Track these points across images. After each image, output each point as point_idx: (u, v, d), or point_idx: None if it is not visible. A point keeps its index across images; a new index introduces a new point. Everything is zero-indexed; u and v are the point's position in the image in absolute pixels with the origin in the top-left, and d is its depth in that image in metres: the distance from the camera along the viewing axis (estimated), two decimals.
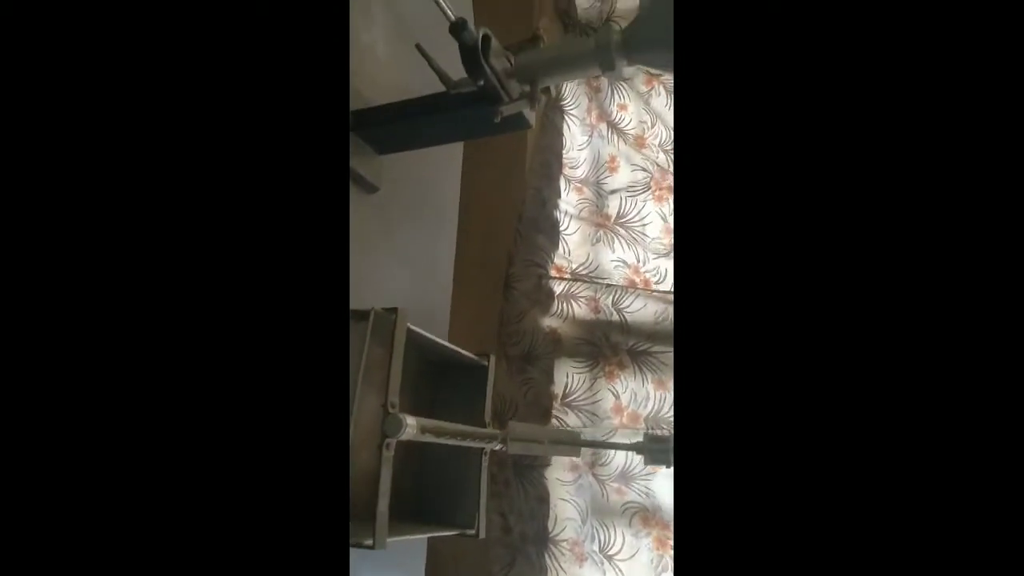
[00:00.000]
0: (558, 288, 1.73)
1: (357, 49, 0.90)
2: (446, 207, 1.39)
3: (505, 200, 1.90)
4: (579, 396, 1.62)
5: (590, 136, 1.90)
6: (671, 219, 1.79)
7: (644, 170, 1.81)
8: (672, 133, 1.82)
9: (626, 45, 0.65)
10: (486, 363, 0.72)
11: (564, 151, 1.90)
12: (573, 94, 1.94)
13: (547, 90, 0.75)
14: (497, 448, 0.65)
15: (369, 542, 0.48)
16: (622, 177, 1.83)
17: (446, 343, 0.63)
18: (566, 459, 1.57)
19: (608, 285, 1.70)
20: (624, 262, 1.74)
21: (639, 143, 1.85)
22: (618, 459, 1.53)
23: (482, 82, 0.68)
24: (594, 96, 1.94)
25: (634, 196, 1.80)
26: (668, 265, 1.72)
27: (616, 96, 1.93)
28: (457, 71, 0.73)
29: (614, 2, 2.08)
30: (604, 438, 1.54)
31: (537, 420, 1.63)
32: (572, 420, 1.61)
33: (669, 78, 1.90)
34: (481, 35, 0.67)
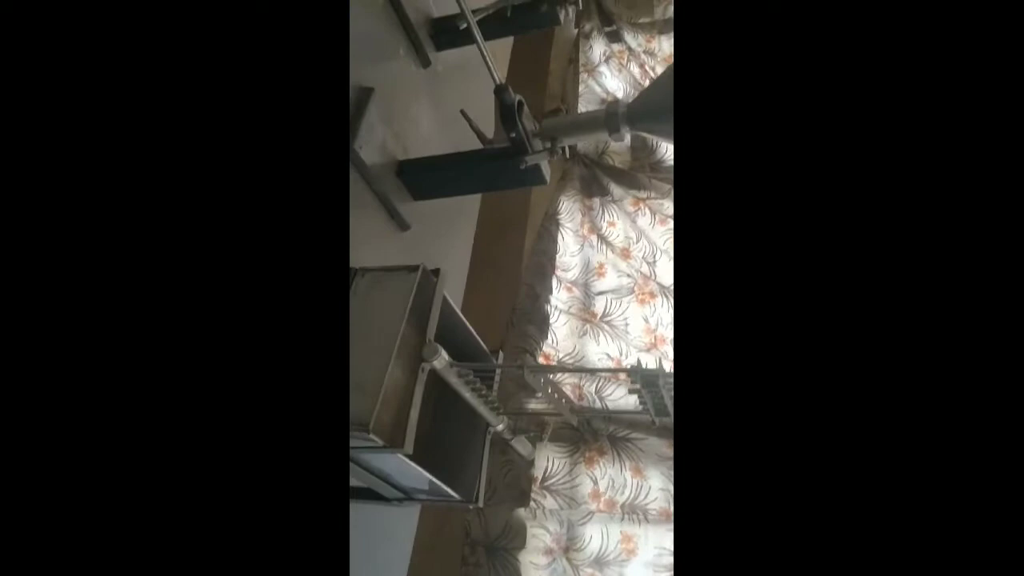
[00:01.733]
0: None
1: (408, 119, 1.09)
2: (454, 282, 1.53)
3: (501, 294, 2.06)
4: (559, 480, 1.64)
5: (582, 245, 2.12)
6: (652, 319, 1.94)
7: (629, 276, 2.00)
8: (654, 248, 2.03)
9: (630, 116, 0.84)
10: (495, 358, 0.81)
11: (558, 255, 2.10)
12: (568, 210, 2.19)
13: (563, 149, 0.92)
14: (498, 429, 0.73)
15: (399, 445, 0.55)
16: (609, 281, 2.01)
17: (468, 324, 0.74)
18: (540, 542, 1.56)
19: (592, 371, 1.80)
20: (608, 354, 1.86)
21: (625, 254, 2.06)
22: (593, 544, 1.52)
23: (514, 134, 0.86)
24: (587, 213, 2.18)
25: (619, 298, 1.97)
26: (650, 359, 1.83)
27: (606, 215, 2.18)
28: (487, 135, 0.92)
29: (607, 143, 2.43)
30: (580, 522, 1.55)
31: (515, 502, 1.63)
32: (550, 503, 1.61)
33: (654, 201, 2.17)
34: (517, 99, 0.86)
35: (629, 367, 0.60)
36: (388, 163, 0.99)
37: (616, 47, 2.74)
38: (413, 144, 1.06)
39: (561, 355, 1.87)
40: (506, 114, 0.84)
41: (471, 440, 0.75)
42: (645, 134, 0.82)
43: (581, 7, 2.76)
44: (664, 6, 2.67)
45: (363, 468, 0.60)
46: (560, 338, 1.91)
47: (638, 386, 0.61)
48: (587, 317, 1.94)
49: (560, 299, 1.98)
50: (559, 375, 1.82)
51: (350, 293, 0.64)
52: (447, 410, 0.70)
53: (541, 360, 1.85)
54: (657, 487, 1.58)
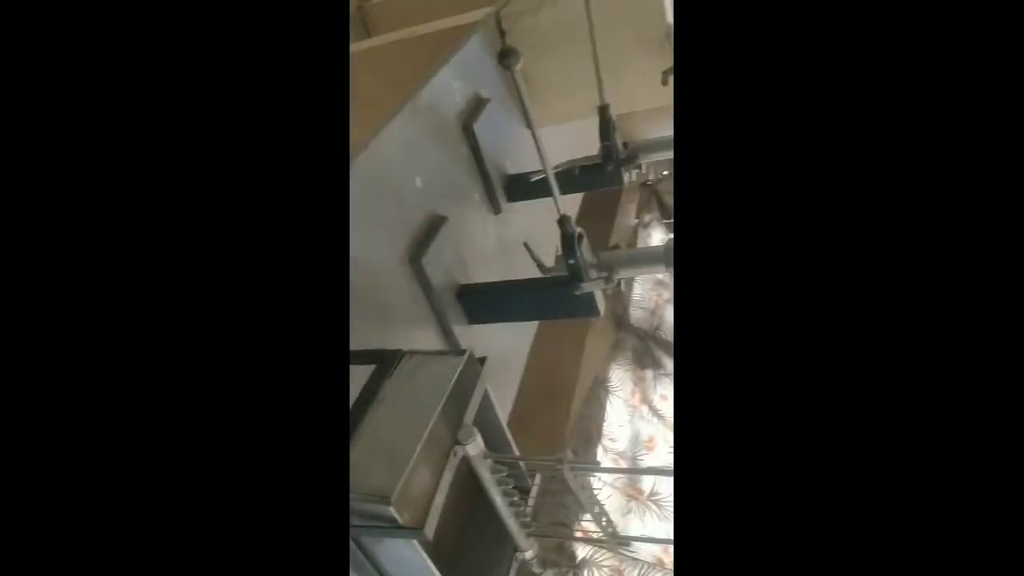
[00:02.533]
0: (581, 552, 1.63)
1: (473, 250, 1.16)
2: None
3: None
4: None
5: (631, 416, 2.03)
6: None
7: None
8: None
9: None
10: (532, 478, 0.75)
11: (605, 424, 2.01)
12: (619, 379, 2.15)
13: (618, 284, 0.94)
14: (527, 556, 0.64)
15: (419, 525, 0.48)
16: (659, 456, 1.88)
17: (505, 429, 0.70)
18: None
19: (635, 559, 1.60)
20: (654, 537, 1.67)
21: None
22: None
23: (572, 261, 0.90)
24: (639, 383, 2.13)
25: (670, 479, 1.82)
26: None
27: (659, 387, 2.12)
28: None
29: (662, 317, 2.46)
30: None
31: None
32: None
33: None
34: (578, 231, 0.91)
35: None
36: (450, 284, 1.03)
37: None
38: (476, 272, 1.11)
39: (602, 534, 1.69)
40: (566, 242, 0.88)
41: (494, 562, 0.66)
42: None
43: (641, 200, 3.00)
44: None
45: (362, 554, 0.52)
46: None
47: None
48: (633, 494, 1.79)
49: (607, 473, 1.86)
50: (597, 552, 1.63)
51: (394, 373, 0.63)
52: (473, 514, 0.63)
53: (578, 534, 1.67)
54: None
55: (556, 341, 2.07)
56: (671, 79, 1.32)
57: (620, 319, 2.39)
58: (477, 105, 1.24)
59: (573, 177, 1.23)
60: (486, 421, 0.64)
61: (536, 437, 2.02)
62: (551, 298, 0.97)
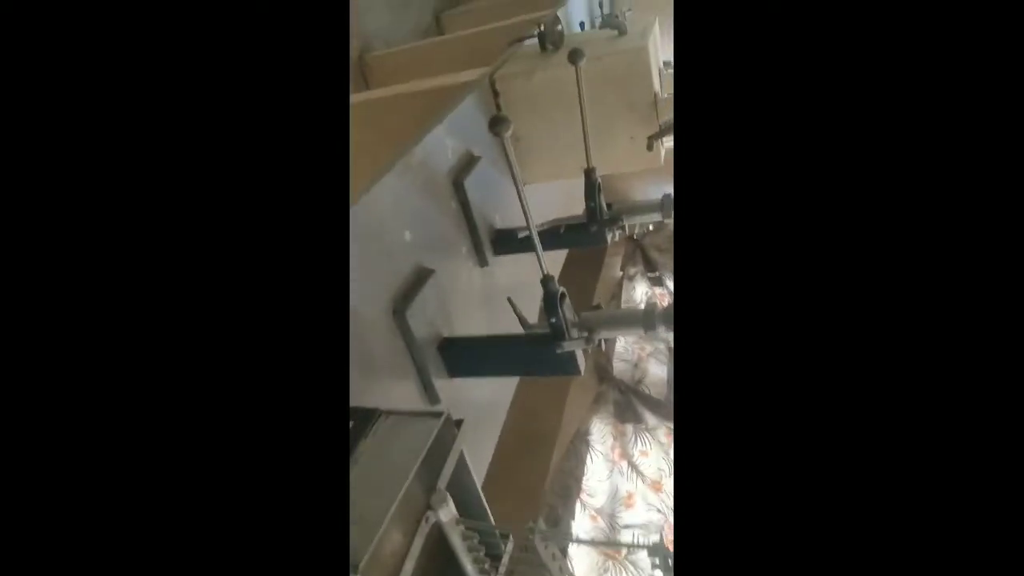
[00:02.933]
0: None
1: (458, 303, 1.17)
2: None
3: (519, 511, 1.92)
4: None
5: (611, 471, 2.02)
6: None
7: (659, 512, 1.85)
8: None
9: (667, 316, 0.89)
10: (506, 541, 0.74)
11: (585, 479, 1.99)
12: (600, 433, 2.14)
13: (599, 343, 0.96)
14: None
15: None
16: (637, 514, 1.86)
17: (481, 495, 0.70)
18: None
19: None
20: None
21: (656, 487, 1.94)
22: None
23: (554, 319, 0.91)
24: (620, 438, 2.12)
25: (647, 535, 1.80)
26: None
27: (639, 443, 2.11)
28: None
29: (645, 370, 2.47)
30: None
31: None
32: None
33: None
34: (560, 290, 0.93)
35: (651, 544, 0.54)
36: (432, 337, 1.04)
37: (658, 291, 2.95)
38: (460, 324, 1.12)
39: None
40: (549, 301, 0.90)
41: None
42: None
43: (626, 253, 3.05)
44: None
45: None
46: (578, 573, 1.71)
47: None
48: (611, 553, 1.76)
49: (583, 528, 1.83)
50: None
51: (371, 433, 0.63)
52: None
53: None
54: None
55: (538, 392, 2.07)
56: (656, 144, 1.37)
57: (603, 371, 2.40)
58: (469, 162, 1.28)
59: (558, 235, 1.26)
60: (461, 485, 0.64)
61: (515, 489, 1.99)
62: (532, 355, 0.98)
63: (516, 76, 1.42)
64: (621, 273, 3.03)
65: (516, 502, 1.95)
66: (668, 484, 1.94)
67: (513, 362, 1.01)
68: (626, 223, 1.21)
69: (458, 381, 1.09)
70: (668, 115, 1.38)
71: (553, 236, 1.26)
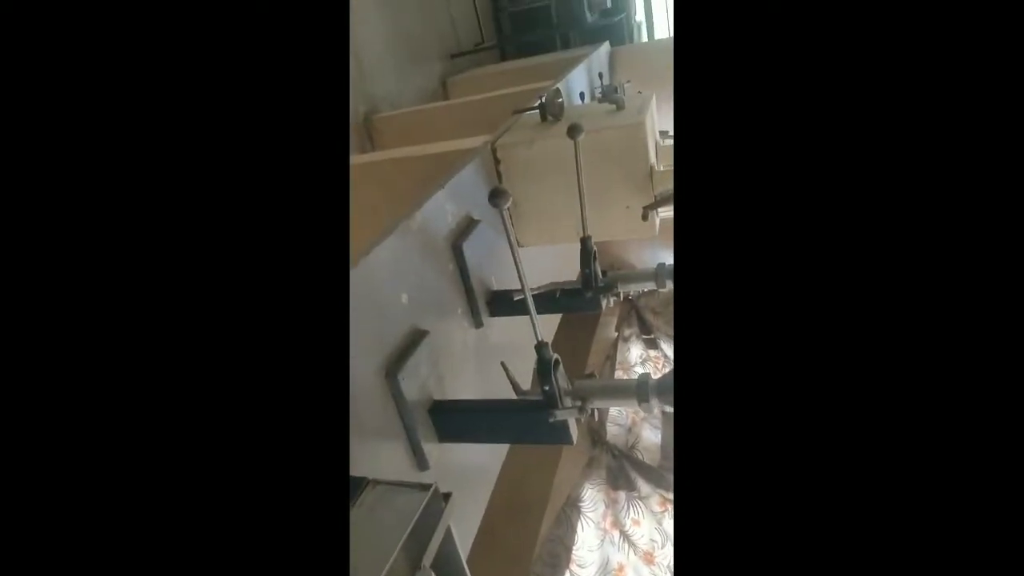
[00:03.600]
0: None
1: (452, 366, 1.17)
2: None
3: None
4: None
5: (602, 541, 1.96)
6: None
7: None
8: None
9: (660, 388, 0.89)
10: None
11: (575, 548, 1.93)
12: (592, 499, 2.09)
13: (592, 412, 0.95)
14: None
15: None
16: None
17: (466, 567, 0.68)
18: None
19: None
20: None
21: (648, 559, 1.88)
22: None
23: (547, 387, 0.91)
24: (612, 505, 2.07)
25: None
26: None
27: (632, 511, 2.06)
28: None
29: (639, 435, 2.43)
30: None
31: None
32: None
33: None
34: (554, 357, 0.93)
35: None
36: (424, 400, 1.03)
37: (652, 353, 2.95)
38: (452, 389, 1.12)
39: None
40: (542, 368, 0.90)
41: None
42: (670, 403, 0.86)
43: (622, 314, 3.07)
44: None
45: None
46: None
47: None
48: None
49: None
50: None
51: (358, 504, 0.62)
52: None
53: None
54: None
55: (529, 454, 2.03)
56: (651, 215, 1.41)
57: (596, 435, 2.37)
58: (468, 225, 1.31)
59: (554, 299, 1.27)
60: (446, 560, 0.62)
61: (504, 558, 1.92)
62: (524, 423, 0.97)
63: (517, 145, 1.47)
64: (616, 334, 3.04)
65: (503, 572, 1.88)
66: (660, 555, 1.88)
67: (504, 429, 1.00)
68: (621, 291, 1.22)
69: (449, 444, 1.07)
70: (664, 186, 1.42)
71: (549, 300, 1.27)
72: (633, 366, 2.77)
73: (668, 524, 1.97)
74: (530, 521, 2.05)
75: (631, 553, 1.90)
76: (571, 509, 2.05)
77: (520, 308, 1.27)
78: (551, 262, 1.59)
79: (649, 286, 1.21)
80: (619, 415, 2.50)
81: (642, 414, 2.53)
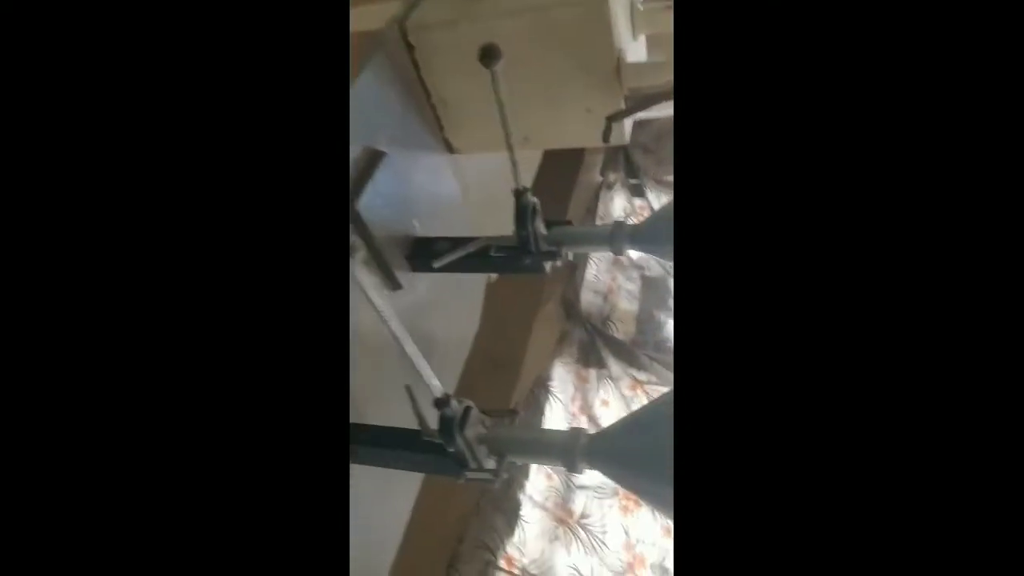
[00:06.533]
0: None
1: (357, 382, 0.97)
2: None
3: None
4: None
5: (568, 424, 1.95)
6: (634, 532, 1.74)
7: None
8: None
9: (589, 453, 0.71)
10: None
11: None
12: (561, 379, 2.05)
13: (513, 465, 0.80)
14: None
15: None
16: (593, 475, 1.83)
17: None
18: None
19: None
20: (578, 571, 1.65)
21: None
22: None
23: (452, 450, 0.73)
24: (581, 386, 2.04)
25: (600, 499, 1.78)
26: None
27: (601, 391, 2.03)
28: None
29: (615, 304, 2.31)
30: None
31: None
32: None
33: (652, 387, 2.02)
34: (463, 407, 0.73)
35: None
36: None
37: (638, 203, 2.68)
38: (367, 390, 0.94)
39: (526, 561, 1.67)
40: (445, 428, 0.71)
41: None
42: (602, 472, 0.69)
43: (608, 154, 2.72)
44: None
45: None
46: (529, 538, 1.71)
47: None
48: (563, 516, 1.75)
49: (537, 488, 1.80)
50: None
51: None
52: None
53: (502, 564, 1.65)
54: None
55: (505, 313, 1.93)
56: (615, 127, 1.06)
57: (570, 306, 2.24)
58: (368, 164, 0.99)
59: (487, 258, 1.01)
60: None
61: None
62: (436, 462, 0.81)
63: (435, 26, 1.06)
64: (601, 179, 2.73)
65: None
66: None
67: (417, 463, 0.85)
68: (568, 251, 0.97)
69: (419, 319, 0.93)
70: (637, 82, 1.05)
71: (481, 259, 1.02)
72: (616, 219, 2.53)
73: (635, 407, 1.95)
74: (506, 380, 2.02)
75: None
76: (539, 389, 2.01)
77: (452, 262, 1.03)
78: (494, 174, 1.27)
79: (603, 249, 0.95)
80: (596, 281, 2.35)
81: (620, 279, 2.38)
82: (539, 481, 1.82)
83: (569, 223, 0.95)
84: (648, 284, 2.34)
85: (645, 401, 1.98)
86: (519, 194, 0.92)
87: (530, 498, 1.78)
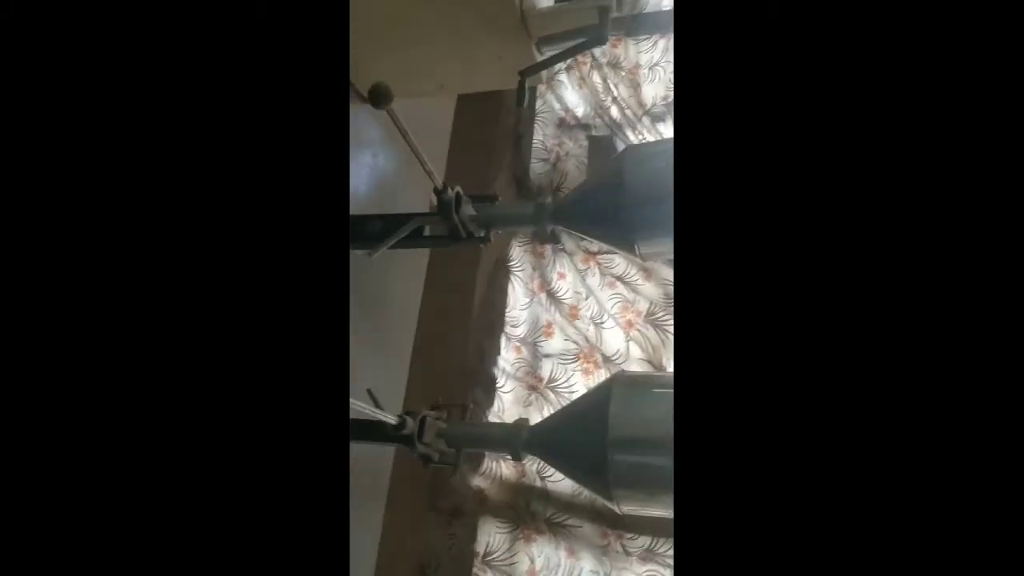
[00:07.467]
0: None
1: None
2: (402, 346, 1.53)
3: (453, 351, 2.08)
4: (498, 556, 1.79)
5: (531, 300, 2.10)
6: None
7: (575, 343, 2.02)
8: (602, 310, 2.03)
9: (529, 444, 0.84)
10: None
11: (507, 310, 2.09)
12: (520, 259, 2.15)
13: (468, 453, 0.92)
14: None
15: None
16: (555, 344, 2.03)
17: None
18: None
19: None
20: None
21: (573, 314, 2.06)
22: None
23: (415, 455, 0.86)
24: (538, 264, 2.14)
25: (564, 364, 2.00)
26: None
27: (557, 265, 2.14)
28: None
29: (564, 173, 2.31)
30: None
31: None
32: None
33: (604, 259, 2.13)
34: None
35: None
36: None
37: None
38: None
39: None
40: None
41: None
42: (541, 459, 0.83)
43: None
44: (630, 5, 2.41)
45: None
46: (506, 405, 1.97)
47: None
48: (533, 383, 1.99)
49: (508, 360, 2.01)
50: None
51: None
52: None
53: None
54: (588, 569, 1.73)
55: None
56: (530, 90, 1.02)
57: (521, 183, 2.24)
58: None
59: (421, 236, 1.05)
60: None
61: (447, 322, 2.10)
62: None
63: None
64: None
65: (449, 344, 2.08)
66: (584, 310, 2.05)
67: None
68: (496, 232, 1.00)
69: None
70: (546, 29, 0.98)
71: (417, 239, 1.05)
72: (556, 74, 2.39)
73: (591, 280, 2.08)
74: (465, 288, 2.15)
75: (557, 313, 2.07)
76: (500, 271, 2.13)
77: (384, 238, 1.06)
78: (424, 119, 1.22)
79: (530, 227, 0.98)
80: (542, 149, 2.32)
81: (568, 146, 2.34)
82: (510, 355, 2.03)
83: (495, 198, 0.96)
84: (595, 145, 2.31)
85: (598, 277, 2.09)
86: (439, 193, 0.93)
87: (503, 371, 2.00)
